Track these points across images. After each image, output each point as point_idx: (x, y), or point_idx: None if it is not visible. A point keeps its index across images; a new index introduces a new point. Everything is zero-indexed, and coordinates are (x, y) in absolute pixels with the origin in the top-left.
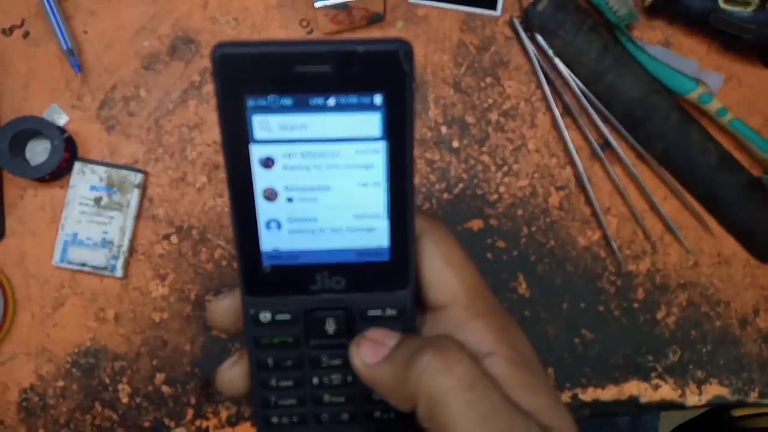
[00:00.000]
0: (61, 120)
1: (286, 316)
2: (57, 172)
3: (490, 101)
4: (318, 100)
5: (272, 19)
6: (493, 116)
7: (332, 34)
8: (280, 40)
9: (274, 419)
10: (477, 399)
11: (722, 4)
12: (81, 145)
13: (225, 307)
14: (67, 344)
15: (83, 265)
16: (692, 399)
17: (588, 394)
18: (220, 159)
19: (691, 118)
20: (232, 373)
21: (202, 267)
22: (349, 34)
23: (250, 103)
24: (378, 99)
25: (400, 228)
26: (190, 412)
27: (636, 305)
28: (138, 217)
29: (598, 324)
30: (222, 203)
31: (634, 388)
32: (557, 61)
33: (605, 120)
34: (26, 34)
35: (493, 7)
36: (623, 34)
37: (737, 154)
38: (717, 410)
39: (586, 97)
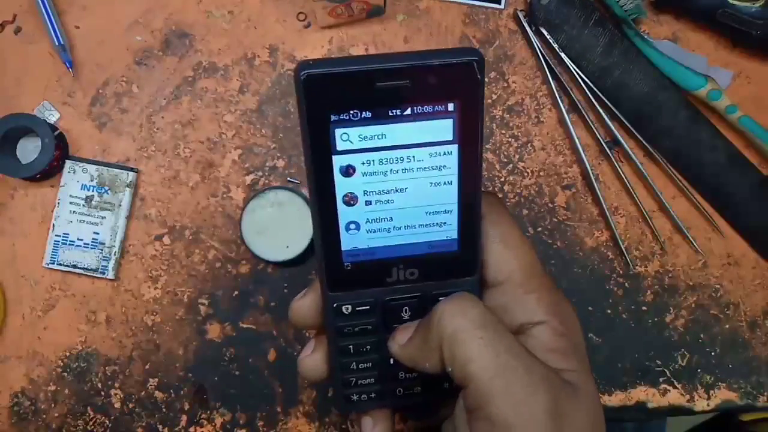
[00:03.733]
0: (52, 117)
1: (366, 307)
2: (48, 171)
3: (494, 96)
4: (396, 111)
5: (268, 12)
6: (498, 112)
7: (330, 28)
8: (358, 56)
9: (354, 397)
10: (490, 337)
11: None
12: (72, 143)
13: (308, 305)
14: (58, 348)
15: (74, 266)
16: (701, 404)
17: None
18: (213, 156)
19: (700, 115)
20: (314, 359)
21: (195, 269)
22: (347, 28)
23: (333, 117)
24: (452, 106)
25: (469, 220)
26: (183, 419)
27: (644, 308)
28: (130, 216)
29: (606, 327)
30: (215, 203)
31: (641, 393)
32: (563, 55)
33: (613, 117)
34: (18, 30)
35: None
36: (630, 29)
37: (747, 153)
38: (725, 415)
39: (592, 92)
